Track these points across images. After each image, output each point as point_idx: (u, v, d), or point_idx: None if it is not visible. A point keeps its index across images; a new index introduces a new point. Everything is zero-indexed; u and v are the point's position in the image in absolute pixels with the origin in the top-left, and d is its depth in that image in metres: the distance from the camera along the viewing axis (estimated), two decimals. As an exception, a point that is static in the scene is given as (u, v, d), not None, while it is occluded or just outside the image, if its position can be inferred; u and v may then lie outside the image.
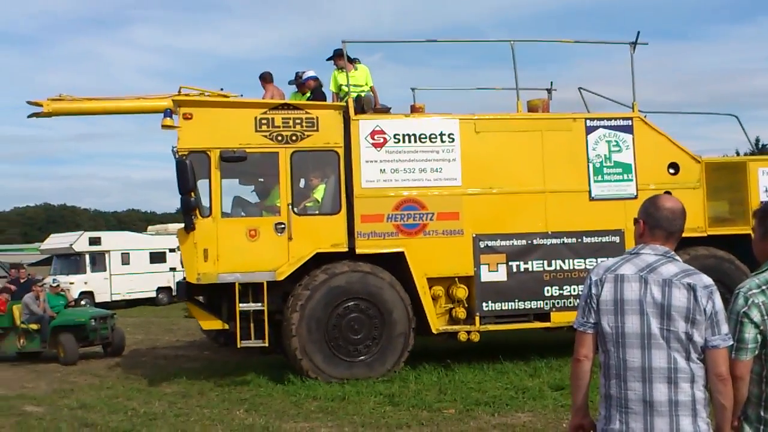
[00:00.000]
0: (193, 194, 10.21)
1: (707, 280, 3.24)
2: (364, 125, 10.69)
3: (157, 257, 29.44)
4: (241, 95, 11.44)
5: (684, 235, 11.27)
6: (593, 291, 3.32)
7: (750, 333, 3.21)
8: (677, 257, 3.33)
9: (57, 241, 29.75)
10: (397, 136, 10.73)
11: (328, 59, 11.68)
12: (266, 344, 10.54)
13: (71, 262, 27.98)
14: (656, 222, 3.36)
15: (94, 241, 28.25)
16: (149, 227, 36.50)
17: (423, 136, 10.79)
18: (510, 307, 10.77)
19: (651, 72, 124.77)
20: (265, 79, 11.98)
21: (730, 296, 11.27)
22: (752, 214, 3.53)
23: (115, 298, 28.31)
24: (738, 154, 13.49)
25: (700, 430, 3.15)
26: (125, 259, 28.70)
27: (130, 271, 28.65)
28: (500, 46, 11.66)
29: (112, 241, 29.04)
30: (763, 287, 3.26)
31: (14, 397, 10.89)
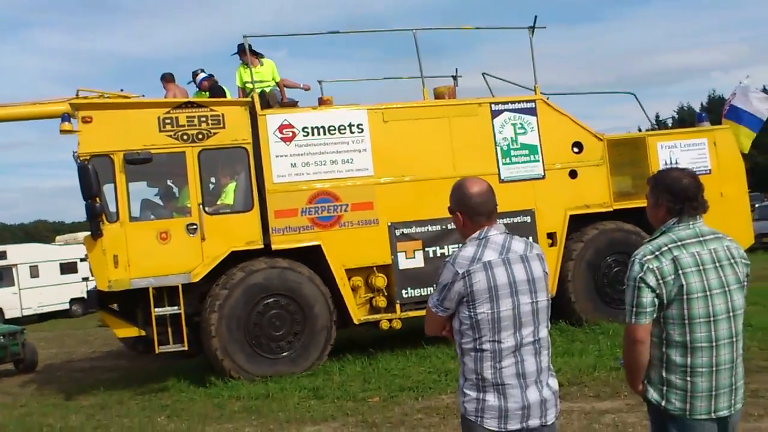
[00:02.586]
0: (98, 199, 9.91)
1: (539, 246, 3.56)
2: (271, 120, 10.57)
3: (68, 268, 28.58)
4: (143, 96, 11.15)
5: (591, 210, 11.66)
6: (459, 284, 3.32)
7: (647, 297, 3.32)
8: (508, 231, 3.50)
9: (-41, 257, 28.56)
10: (305, 130, 10.67)
11: (233, 54, 11.55)
12: (185, 348, 10.33)
13: (-25, 278, 26.96)
14: (474, 210, 3.41)
15: (0, 255, 27.24)
16: (57, 237, 35.41)
17: (332, 128, 10.77)
18: (429, 293, 10.88)
19: (559, 55, 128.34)
20: (167, 79, 11.76)
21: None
22: (646, 182, 3.65)
23: (26, 312, 27.41)
24: (640, 130, 13.91)
25: (555, 387, 3.43)
26: (34, 272, 27.74)
27: (40, 283, 27.68)
28: (404, 35, 11.73)
29: (19, 253, 28.05)
30: (656, 253, 3.36)
31: None
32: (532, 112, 11.60)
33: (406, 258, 10.86)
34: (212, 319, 10.17)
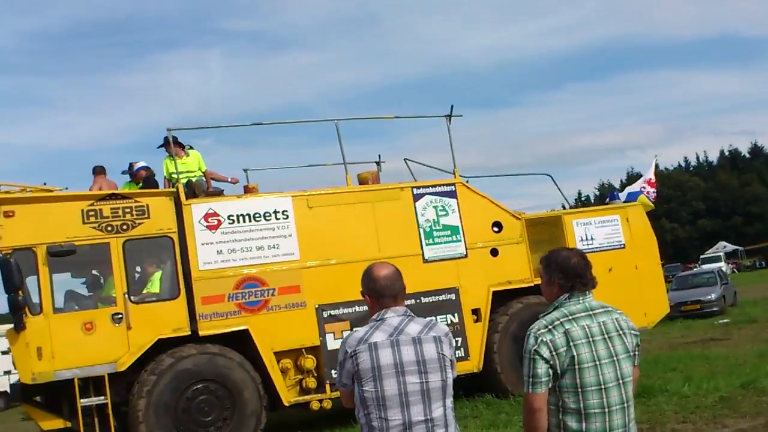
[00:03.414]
0: (21, 292, 9.85)
1: (445, 328, 3.69)
2: (196, 209, 10.78)
3: (-11, 361, 27.59)
4: (66, 188, 11.22)
5: (515, 286, 12.00)
6: (348, 363, 3.53)
7: (542, 368, 3.52)
8: (413, 315, 3.68)
9: None
10: (231, 217, 10.89)
11: (159, 147, 11.76)
12: None
13: None
14: (379, 293, 3.64)
15: None
16: (-21, 330, 34.06)
17: (257, 214, 11.02)
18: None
19: (481, 137, 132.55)
20: (96, 171, 11.94)
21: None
22: (539, 262, 3.91)
23: (-53, 408, 26.25)
24: (564, 207, 14.60)
25: None
26: (-47, 365, 26.71)
27: (-42, 377, 26.64)
28: (328, 124, 12.18)
29: (-64, 346, 26.96)
30: (549, 327, 3.58)
31: None
32: (452, 194, 12.09)
33: (335, 339, 11.00)
34: (140, 405, 10.05)
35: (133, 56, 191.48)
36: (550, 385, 3.56)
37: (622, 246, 12.78)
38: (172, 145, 11.28)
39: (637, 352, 3.72)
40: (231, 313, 10.70)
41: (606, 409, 3.53)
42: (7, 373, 26.53)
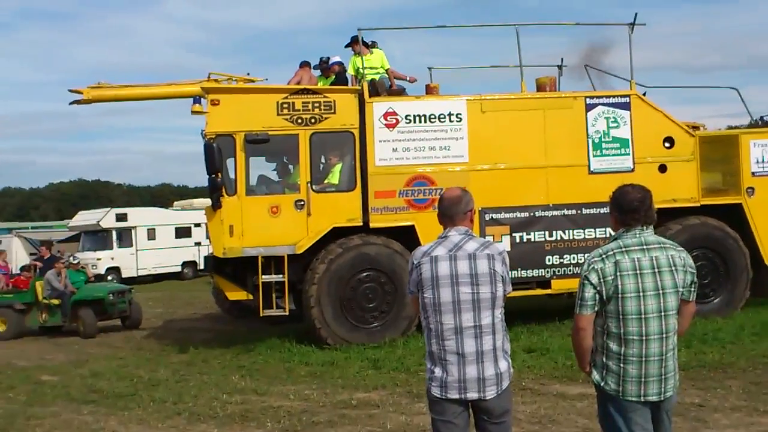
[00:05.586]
0: (219, 174, 11.00)
1: (501, 247, 4.05)
2: (377, 107, 11.42)
3: (183, 232, 30.11)
4: (266, 80, 12.23)
5: (678, 205, 11.95)
6: (414, 272, 4.01)
7: (589, 292, 3.83)
8: (474, 234, 4.07)
9: (85, 218, 30.57)
10: (408, 117, 11.46)
11: (346, 46, 12.38)
12: (287, 313, 11.36)
13: (98, 238, 28.80)
14: (442, 212, 4.09)
15: (121, 218, 29.01)
16: (175, 203, 37.19)
17: (433, 116, 11.52)
18: (514, 276, 11.42)
19: (686, 34, 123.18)
20: (302, 65, 12.74)
21: (718, 260, 11.99)
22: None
23: (142, 273, 29.17)
24: (751, 124, 14.03)
25: (501, 369, 3.93)
26: (151, 235, 29.40)
27: (156, 246, 29.37)
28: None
29: (139, 217, 29.76)
30: (603, 256, 3.86)
31: (33, 368, 11.61)
32: (626, 106, 11.97)
33: (494, 241, 11.49)
34: (312, 291, 11.15)
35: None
36: (596, 308, 3.85)
37: (801, 171, 12.23)
38: (360, 44, 11.90)
39: (692, 289, 3.91)
40: (400, 209, 11.43)
41: (644, 337, 3.79)
42: (197, 244, 29.15)
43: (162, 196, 78.96)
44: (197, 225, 29.19)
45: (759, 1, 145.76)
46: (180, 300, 21.91)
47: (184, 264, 30.37)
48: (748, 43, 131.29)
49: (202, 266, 29.66)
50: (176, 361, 11.31)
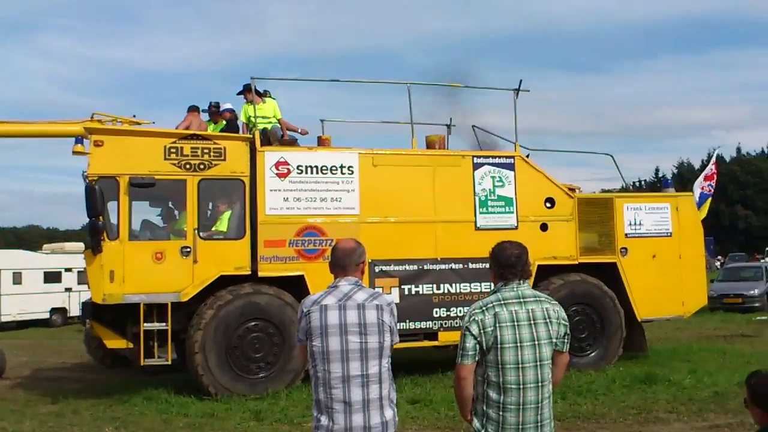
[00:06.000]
0: (101, 218, 10.60)
1: (389, 298, 4.18)
2: (269, 156, 11.37)
3: (52, 277, 28.59)
4: (153, 123, 11.95)
5: (558, 262, 12.48)
6: (303, 321, 4.07)
7: (470, 342, 4.01)
8: (364, 285, 4.18)
9: (-56, 259, 28.69)
10: (300, 168, 11.47)
11: (239, 93, 12.35)
12: (169, 362, 10.96)
13: (-41, 281, 27.02)
14: (334, 262, 4.19)
15: (-17, 261, 27.46)
16: (45, 245, 35.43)
17: (325, 167, 11.58)
18: (402, 327, 11.55)
19: (561, 102, 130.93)
20: (191, 110, 12.55)
21: (596, 316, 12.52)
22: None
23: (6, 319, 27.28)
24: (623, 188, 14.97)
25: (387, 417, 3.99)
26: (17, 279, 27.73)
27: (22, 291, 27.69)
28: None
29: (3, 260, 28.01)
30: (483, 308, 4.07)
31: None
32: (510, 167, 12.49)
33: (382, 293, 11.54)
34: (197, 337, 10.81)
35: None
36: (477, 358, 4.03)
37: (669, 234, 13.03)
38: (253, 93, 11.86)
39: (565, 340, 4.16)
40: (290, 258, 11.34)
41: (521, 386, 3.97)
42: (68, 290, 27.74)
43: (29, 238, 75.30)
44: (68, 270, 27.92)
45: (631, 75, 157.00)
46: (48, 348, 20.63)
47: (53, 310, 28.69)
48: (619, 113, 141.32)
49: (72, 313, 28.31)
50: (44, 412, 10.58)
